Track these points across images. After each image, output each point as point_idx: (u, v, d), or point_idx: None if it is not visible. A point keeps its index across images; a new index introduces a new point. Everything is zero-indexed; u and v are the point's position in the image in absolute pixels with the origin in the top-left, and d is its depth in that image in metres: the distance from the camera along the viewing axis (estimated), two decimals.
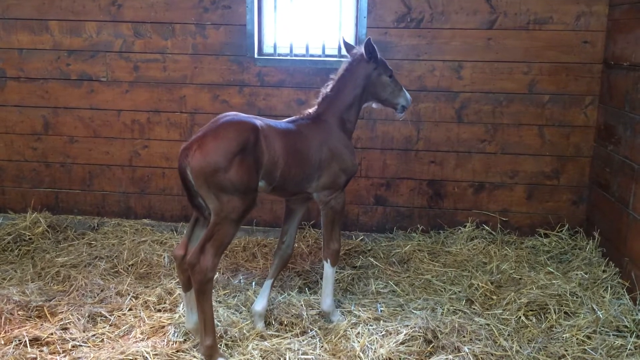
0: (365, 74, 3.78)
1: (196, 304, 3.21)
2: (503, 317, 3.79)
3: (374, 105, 3.98)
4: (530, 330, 3.63)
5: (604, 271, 4.32)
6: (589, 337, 3.53)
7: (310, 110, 3.77)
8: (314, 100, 3.86)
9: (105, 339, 3.50)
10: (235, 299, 4.01)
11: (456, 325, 3.56)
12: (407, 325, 3.53)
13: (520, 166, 5.03)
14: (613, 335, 3.57)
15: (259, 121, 3.35)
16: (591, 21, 4.74)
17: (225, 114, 3.35)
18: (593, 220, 4.85)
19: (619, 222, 4.31)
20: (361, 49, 3.78)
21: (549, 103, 4.91)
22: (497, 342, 3.49)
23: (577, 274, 4.31)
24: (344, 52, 4.40)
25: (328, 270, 3.72)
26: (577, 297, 3.96)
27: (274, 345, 3.41)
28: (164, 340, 3.46)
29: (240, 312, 3.85)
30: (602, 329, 3.61)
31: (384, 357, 3.23)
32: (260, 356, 3.29)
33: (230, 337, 3.50)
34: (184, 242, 3.35)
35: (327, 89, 3.79)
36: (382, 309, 3.91)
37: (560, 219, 5.04)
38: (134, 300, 3.97)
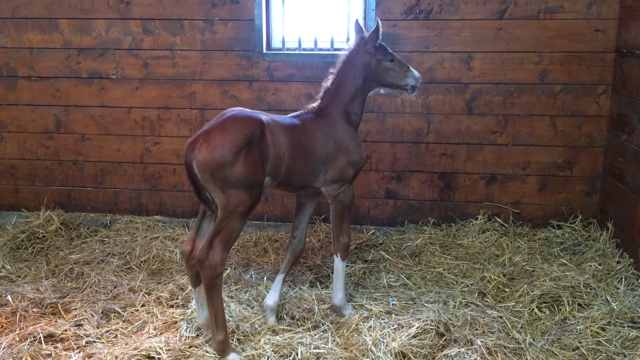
0: (364, 64, 3.73)
1: (206, 299, 3.23)
2: (516, 309, 3.76)
3: (382, 91, 3.92)
4: (543, 323, 3.60)
5: (618, 262, 4.28)
6: (603, 329, 3.50)
7: (314, 105, 3.76)
8: (317, 95, 3.84)
9: (118, 335, 3.53)
10: (247, 294, 4.03)
11: (468, 318, 3.55)
12: (419, 319, 3.52)
13: (532, 157, 4.98)
14: (628, 326, 3.53)
15: (264, 116, 3.35)
16: (603, 9, 4.67)
17: (231, 109, 3.35)
18: (607, 210, 4.80)
19: (633, 213, 4.26)
20: (365, 35, 3.75)
21: (560, 93, 4.85)
22: (510, 335, 3.47)
23: (590, 265, 4.27)
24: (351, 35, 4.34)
25: (338, 264, 3.72)
26: (591, 289, 3.93)
27: (285, 339, 3.41)
28: (176, 336, 3.49)
29: (252, 307, 3.86)
30: (617, 320, 3.58)
31: (396, 350, 3.22)
32: (272, 350, 3.29)
33: (242, 332, 3.52)
34: (191, 238, 3.37)
35: (327, 82, 3.76)
36: (393, 302, 3.90)
37: (573, 210, 4.99)
38: (146, 296, 4.00)
